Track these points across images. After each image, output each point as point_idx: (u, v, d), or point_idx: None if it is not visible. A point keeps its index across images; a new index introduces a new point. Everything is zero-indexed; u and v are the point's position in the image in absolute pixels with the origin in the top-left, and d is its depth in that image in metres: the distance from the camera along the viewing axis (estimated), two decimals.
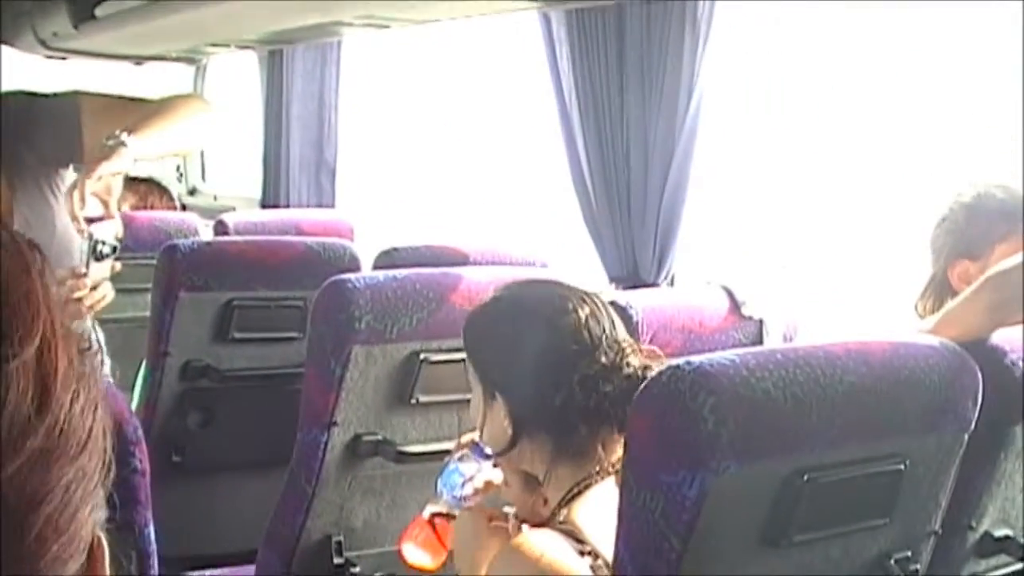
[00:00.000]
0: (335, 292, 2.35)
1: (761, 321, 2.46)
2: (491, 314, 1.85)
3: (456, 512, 1.94)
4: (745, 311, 2.46)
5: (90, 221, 2.20)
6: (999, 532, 1.95)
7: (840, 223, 3.69)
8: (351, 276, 2.41)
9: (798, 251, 3.72)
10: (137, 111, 2.37)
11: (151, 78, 5.20)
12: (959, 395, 1.73)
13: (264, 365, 3.04)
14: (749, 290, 2.47)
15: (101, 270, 2.22)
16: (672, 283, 2.95)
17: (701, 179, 2.89)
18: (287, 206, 4.65)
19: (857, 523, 1.68)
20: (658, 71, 2.81)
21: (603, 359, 1.74)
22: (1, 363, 0.54)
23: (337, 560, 2.47)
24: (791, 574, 1.62)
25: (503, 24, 3.90)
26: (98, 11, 4.16)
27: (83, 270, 2.18)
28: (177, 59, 5.20)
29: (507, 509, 1.86)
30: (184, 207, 5.16)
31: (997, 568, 1.97)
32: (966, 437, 1.76)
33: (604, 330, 1.77)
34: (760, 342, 2.45)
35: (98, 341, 2.70)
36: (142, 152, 2.25)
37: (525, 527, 1.77)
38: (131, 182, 4.24)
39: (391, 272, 2.44)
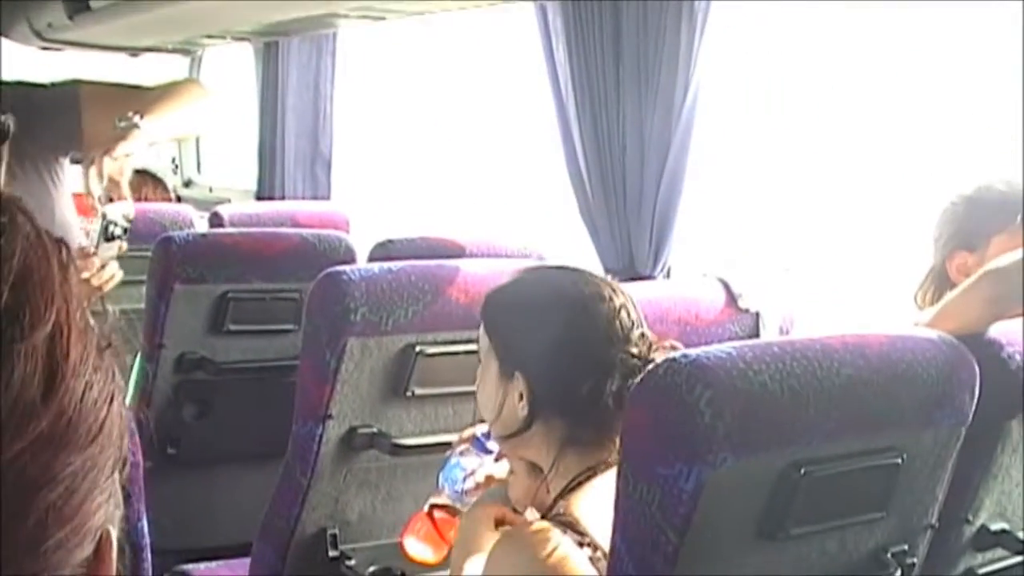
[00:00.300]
0: (330, 284, 2.34)
1: (758, 314, 2.46)
2: (519, 292, 1.83)
3: (458, 506, 1.94)
4: (742, 304, 2.45)
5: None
6: (996, 526, 1.95)
7: (836, 218, 3.69)
8: (346, 268, 2.40)
9: (795, 246, 3.71)
10: (137, 99, 2.41)
11: (146, 69, 5.19)
12: (956, 388, 1.72)
13: (259, 357, 3.04)
14: (745, 283, 2.47)
15: (110, 250, 2.24)
16: (668, 276, 2.95)
17: (697, 172, 2.88)
18: (283, 198, 4.64)
19: (854, 516, 1.67)
20: (654, 63, 2.81)
21: (634, 350, 1.73)
22: (8, 344, 0.55)
23: (332, 553, 2.46)
24: (787, 567, 1.61)
25: (499, 15, 3.89)
26: (93, 2, 4.16)
27: (92, 249, 2.20)
28: (172, 51, 5.20)
29: (529, 511, 1.84)
30: (179, 199, 5.15)
31: (994, 562, 1.97)
32: (963, 431, 1.75)
33: (633, 322, 1.77)
34: (756, 335, 2.45)
35: None
36: (153, 134, 2.29)
37: (530, 512, 1.76)
38: None
39: (386, 264, 2.44)
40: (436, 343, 2.41)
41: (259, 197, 4.77)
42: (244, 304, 2.98)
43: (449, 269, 2.44)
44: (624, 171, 2.90)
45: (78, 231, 2.26)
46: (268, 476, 2.51)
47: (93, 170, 2.20)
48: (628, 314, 1.77)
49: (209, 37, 4.80)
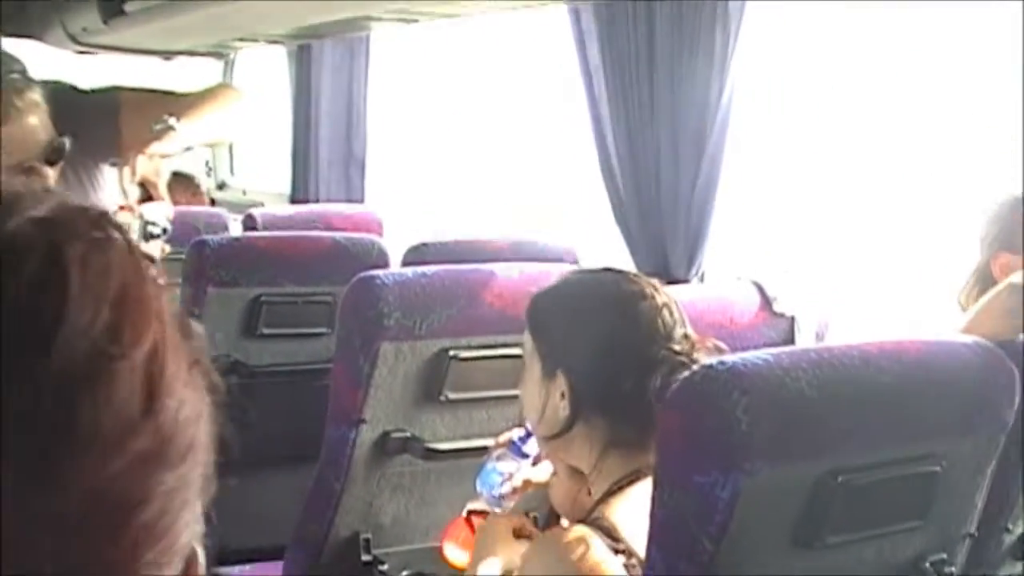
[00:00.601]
0: (363, 288, 2.34)
1: (793, 318, 2.43)
2: (562, 293, 1.85)
3: (496, 511, 1.94)
4: (777, 308, 2.43)
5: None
6: None
7: (865, 222, 3.66)
8: (379, 272, 2.40)
9: (828, 249, 3.69)
10: (174, 104, 2.44)
11: (180, 73, 5.20)
12: (995, 395, 1.70)
13: (292, 361, 3.04)
14: (780, 286, 2.45)
15: (150, 250, 2.25)
16: (703, 279, 2.93)
17: (733, 174, 2.86)
18: (316, 200, 4.65)
19: (891, 525, 1.65)
20: (689, 64, 2.79)
21: (677, 347, 1.73)
22: (109, 361, 0.55)
23: (365, 557, 2.46)
24: None
25: (532, 17, 3.88)
26: (127, 6, 4.17)
27: None
28: (206, 54, 5.21)
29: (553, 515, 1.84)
30: (213, 201, 5.17)
31: None
32: (1002, 438, 1.73)
33: (676, 321, 1.77)
34: (792, 339, 2.42)
35: None
36: (189, 137, 2.30)
37: (564, 521, 1.76)
38: None
39: (420, 268, 2.43)
40: (470, 347, 2.40)
41: (293, 200, 4.77)
42: (277, 308, 2.98)
43: (483, 274, 2.43)
44: (658, 173, 2.89)
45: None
46: (301, 480, 2.51)
47: (127, 170, 2.21)
48: (671, 313, 1.78)
49: (242, 40, 4.81)
